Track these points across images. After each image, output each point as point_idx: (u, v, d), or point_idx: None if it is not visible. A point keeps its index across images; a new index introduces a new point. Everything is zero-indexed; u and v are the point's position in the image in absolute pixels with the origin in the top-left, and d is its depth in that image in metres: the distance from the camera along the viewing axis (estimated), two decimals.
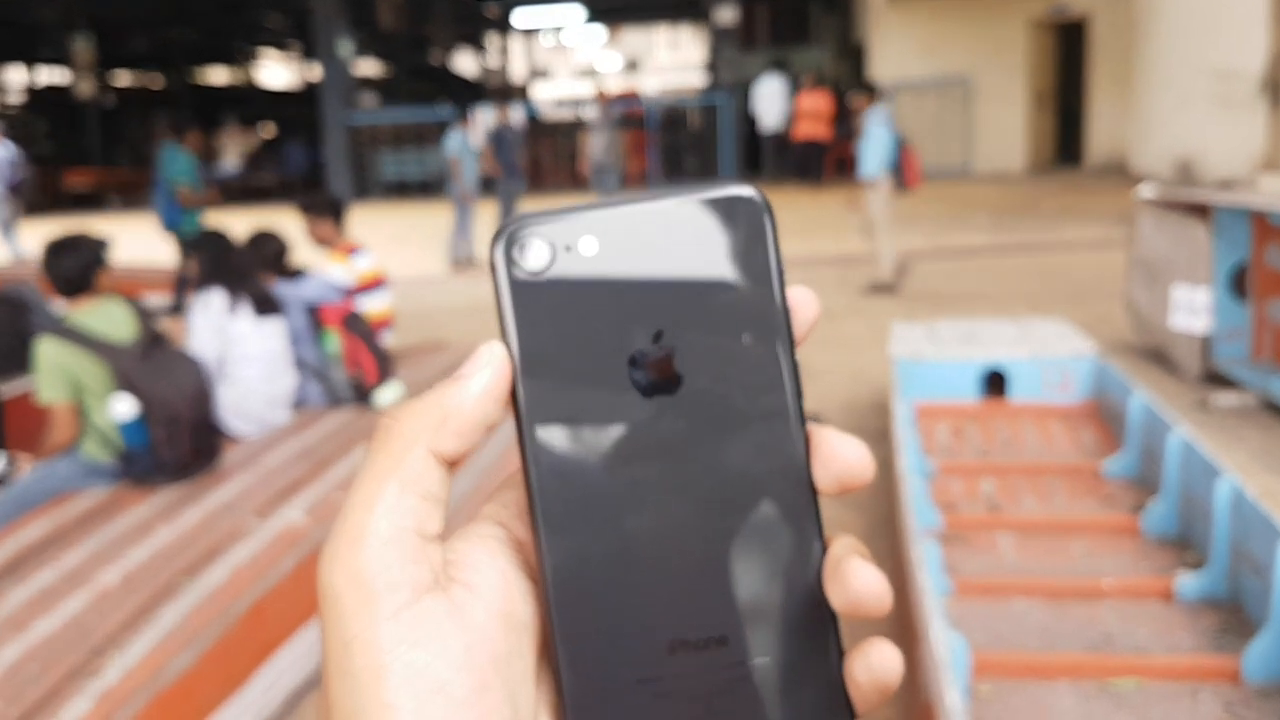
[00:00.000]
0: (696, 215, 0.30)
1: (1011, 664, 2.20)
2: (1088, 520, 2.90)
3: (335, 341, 3.75)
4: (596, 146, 9.33)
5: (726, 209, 0.30)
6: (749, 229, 0.30)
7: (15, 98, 23.76)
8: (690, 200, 0.30)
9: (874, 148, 6.91)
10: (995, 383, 3.86)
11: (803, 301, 0.31)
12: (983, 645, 2.29)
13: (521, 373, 0.30)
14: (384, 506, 0.28)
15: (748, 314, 0.30)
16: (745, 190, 0.31)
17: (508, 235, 0.30)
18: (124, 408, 2.79)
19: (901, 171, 6.98)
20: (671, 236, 0.30)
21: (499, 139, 9.18)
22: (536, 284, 0.30)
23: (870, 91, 7.24)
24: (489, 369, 0.30)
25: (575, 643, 0.29)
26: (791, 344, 0.31)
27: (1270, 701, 2.05)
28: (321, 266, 4.14)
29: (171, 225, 6.95)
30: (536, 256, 0.30)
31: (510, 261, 0.30)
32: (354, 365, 3.74)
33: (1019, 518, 2.92)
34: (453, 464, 0.30)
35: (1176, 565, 2.63)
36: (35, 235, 3.21)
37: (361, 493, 0.29)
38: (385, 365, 3.80)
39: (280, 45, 26.87)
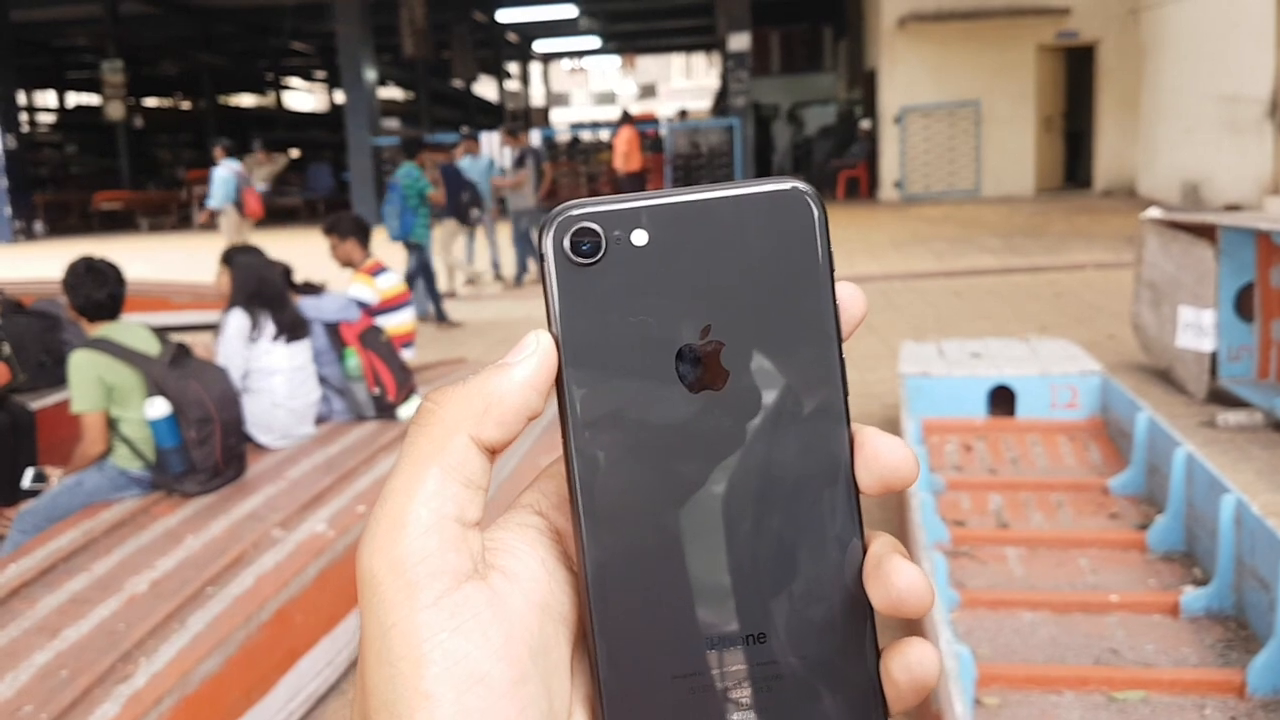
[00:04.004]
0: (747, 208, 0.30)
1: (1018, 676, 2.24)
2: (1094, 536, 2.94)
3: (357, 359, 3.84)
4: (524, 188, 9.22)
5: (777, 202, 0.30)
6: (799, 222, 0.30)
7: (47, 119, 24.14)
8: (741, 193, 0.30)
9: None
10: (1003, 400, 3.90)
11: (850, 298, 0.31)
12: (990, 657, 2.33)
13: (567, 362, 0.29)
14: (425, 493, 0.28)
15: (797, 309, 0.30)
16: (795, 183, 0.30)
17: (559, 223, 0.30)
18: (158, 407, 2.87)
19: None
20: (722, 229, 0.30)
21: (519, 163, 9.34)
22: (586, 273, 0.29)
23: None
24: (534, 358, 0.29)
25: (613, 636, 0.29)
26: (839, 341, 0.30)
27: (1275, 715, 2.08)
28: (345, 286, 4.25)
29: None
30: (587, 245, 0.29)
31: (560, 249, 0.29)
32: (375, 382, 3.82)
33: (1026, 533, 2.96)
34: (493, 452, 0.29)
35: (1182, 580, 2.66)
36: (67, 256, 3.27)
37: (402, 478, 0.28)
38: (406, 381, 3.88)
39: (306, 71, 27.26)
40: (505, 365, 0.30)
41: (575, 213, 0.30)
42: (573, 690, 0.30)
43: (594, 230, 0.29)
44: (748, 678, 0.29)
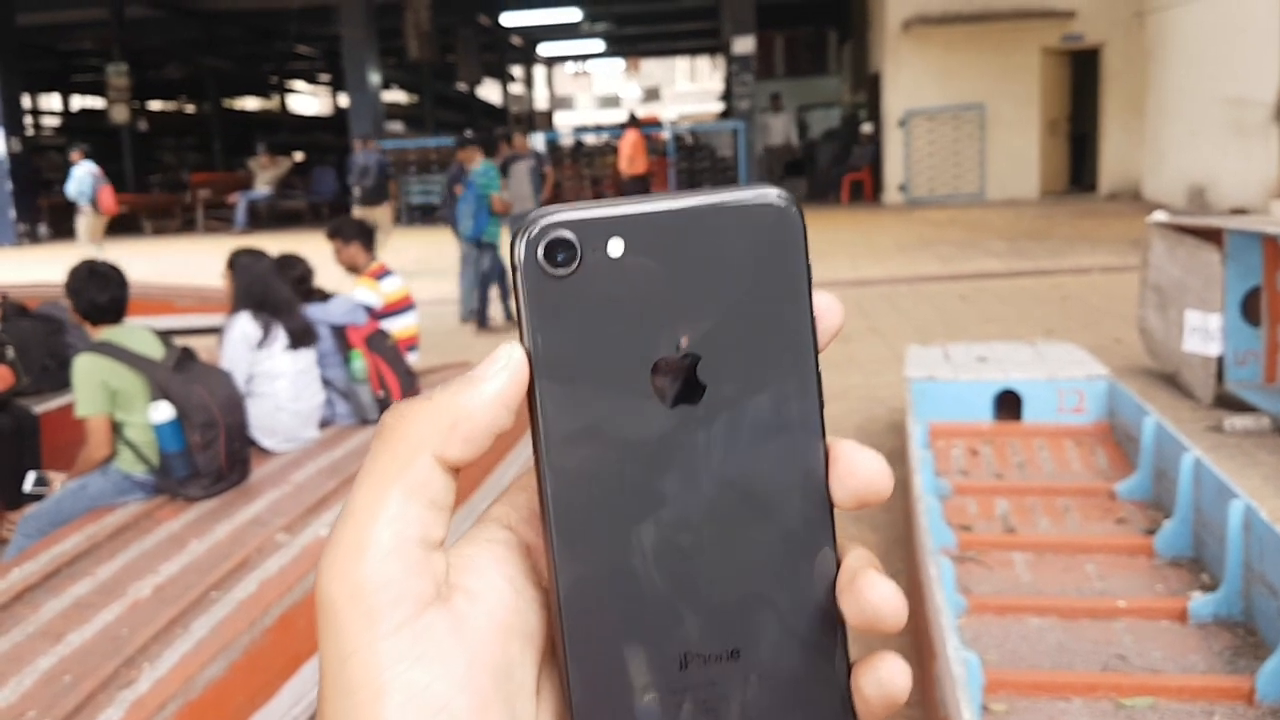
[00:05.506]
0: (725, 218, 0.29)
1: (1025, 682, 2.22)
2: (1101, 541, 2.92)
3: (362, 361, 3.83)
4: (520, 193, 8.81)
5: (756, 212, 0.29)
6: (778, 233, 0.29)
7: (51, 122, 24.21)
8: (720, 202, 0.29)
9: None
10: (1009, 404, 3.89)
11: (826, 309, 0.30)
12: (997, 663, 2.32)
13: (540, 376, 0.29)
14: (387, 515, 0.27)
15: (775, 321, 0.29)
16: (775, 193, 0.29)
17: (532, 232, 0.29)
18: (162, 411, 2.87)
19: None
20: (699, 239, 0.29)
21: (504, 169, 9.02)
22: (560, 284, 0.28)
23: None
24: (505, 373, 0.28)
25: (585, 654, 0.29)
26: (816, 354, 0.30)
27: None
28: (350, 290, 4.24)
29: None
30: (561, 256, 0.28)
31: (534, 260, 0.28)
32: (380, 385, 3.82)
33: (1033, 538, 2.95)
34: (458, 470, 0.28)
35: (1190, 586, 2.65)
36: (71, 259, 3.27)
37: (363, 499, 0.27)
38: (411, 384, 3.88)
39: (311, 75, 27.35)
40: (475, 380, 0.28)
41: (548, 221, 0.29)
42: (538, 710, 0.29)
43: (568, 240, 0.28)
44: (721, 694, 0.29)
